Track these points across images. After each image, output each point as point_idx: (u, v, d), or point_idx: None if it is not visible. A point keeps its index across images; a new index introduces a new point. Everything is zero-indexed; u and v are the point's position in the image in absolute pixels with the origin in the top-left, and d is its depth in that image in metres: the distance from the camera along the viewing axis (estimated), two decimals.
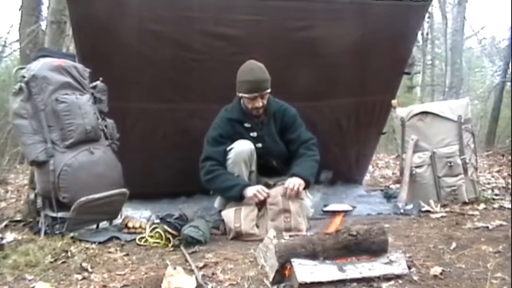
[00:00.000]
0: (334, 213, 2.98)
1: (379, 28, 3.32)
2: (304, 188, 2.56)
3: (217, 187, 2.66)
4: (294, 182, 2.49)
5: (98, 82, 2.67)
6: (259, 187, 2.52)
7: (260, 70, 2.64)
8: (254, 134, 2.74)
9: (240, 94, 2.68)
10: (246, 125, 2.75)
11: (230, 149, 2.64)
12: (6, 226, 2.68)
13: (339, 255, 1.68)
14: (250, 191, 2.49)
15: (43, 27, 5.79)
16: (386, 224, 2.51)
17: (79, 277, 1.80)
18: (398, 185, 3.79)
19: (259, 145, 2.73)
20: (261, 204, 2.51)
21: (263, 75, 2.63)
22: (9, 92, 2.83)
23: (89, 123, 2.46)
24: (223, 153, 2.65)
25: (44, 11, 6.12)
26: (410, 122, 3.27)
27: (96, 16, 2.83)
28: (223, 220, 2.50)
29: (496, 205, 3.01)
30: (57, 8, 3.91)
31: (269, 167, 2.79)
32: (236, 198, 2.54)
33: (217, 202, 2.80)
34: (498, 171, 4.97)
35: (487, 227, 2.41)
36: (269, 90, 2.65)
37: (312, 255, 1.64)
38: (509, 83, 10.94)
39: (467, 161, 3.14)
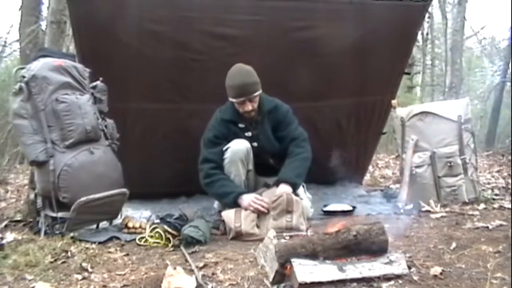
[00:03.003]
0: (334, 213, 2.99)
1: (379, 28, 3.32)
2: (294, 191, 2.57)
3: (214, 192, 2.68)
4: (283, 192, 2.51)
5: (98, 82, 2.66)
6: (253, 196, 2.51)
7: (246, 74, 2.64)
8: (248, 133, 2.76)
9: (229, 99, 2.70)
10: (240, 125, 2.76)
11: (227, 149, 2.65)
12: (6, 226, 2.68)
13: (339, 255, 1.68)
14: (245, 200, 2.50)
15: (43, 27, 5.79)
16: (386, 224, 2.51)
17: (79, 277, 1.80)
18: (398, 185, 3.79)
19: (255, 144, 2.74)
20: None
21: (249, 79, 2.63)
22: (9, 92, 2.83)
23: (89, 123, 2.46)
24: (220, 154, 2.66)
25: (44, 11, 6.11)
26: (410, 122, 3.27)
27: (96, 16, 2.83)
28: (223, 220, 2.50)
29: (496, 205, 3.01)
30: (57, 8, 3.90)
31: (266, 165, 2.80)
32: (231, 205, 2.54)
33: (216, 202, 2.81)
34: (498, 171, 4.97)
35: (487, 227, 2.41)
36: (257, 93, 2.66)
37: (312, 255, 1.64)
38: (509, 83, 10.97)
39: (467, 161, 3.14)
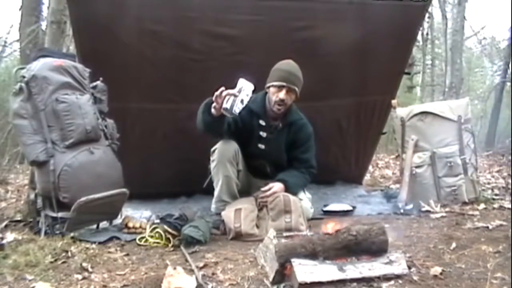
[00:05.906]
0: (334, 213, 2.99)
1: (379, 28, 3.32)
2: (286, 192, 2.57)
3: (198, 119, 2.55)
4: (275, 189, 2.54)
5: (98, 82, 2.66)
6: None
7: (297, 68, 2.67)
8: (263, 134, 2.73)
9: (269, 84, 2.66)
10: (261, 122, 2.73)
11: (214, 150, 2.62)
12: (6, 226, 2.67)
13: (339, 255, 1.68)
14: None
15: (43, 27, 5.80)
16: (386, 224, 2.51)
17: (79, 277, 1.80)
18: (398, 185, 3.79)
19: (262, 146, 2.73)
20: (261, 205, 2.52)
21: (297, 73, 2.66)
22: (9, 92, 2.83)
23: (89, 123, 2.46)
24: (228, 123, 2.56)
25: (44, 11, 6.13)
26: (410, 122, 3.27)
27: (96, 16, 2.83)
28: (223, 220, 2.50)
29: (496, 205, 3.01)
30: (57, 8, 3.90)
31: (261, 171, 2.79)
32: (206, 107, 2.42)
33: (213, 206, 2.74)
34: (498, 171, 4.98)
35: (487, 227, 2.41)
36: (297, 89, 2.65)
37: (312, 255, 1.64)
38: (509, 83, 10.98)
39: (467, 161, 3.14)
